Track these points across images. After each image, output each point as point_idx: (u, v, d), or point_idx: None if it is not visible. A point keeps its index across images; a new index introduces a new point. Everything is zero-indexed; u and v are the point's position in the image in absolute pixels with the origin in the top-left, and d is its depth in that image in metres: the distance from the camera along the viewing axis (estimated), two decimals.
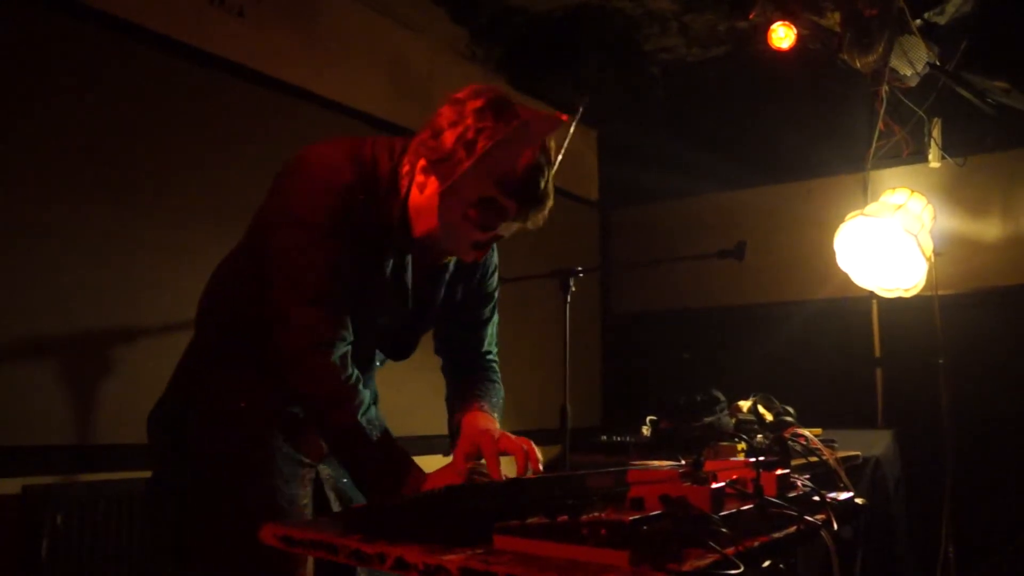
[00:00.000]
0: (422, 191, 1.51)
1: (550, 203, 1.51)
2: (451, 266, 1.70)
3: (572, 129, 1.43)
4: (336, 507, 1.65)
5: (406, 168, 1.54)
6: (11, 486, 2.43)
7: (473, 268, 1.74)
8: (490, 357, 1.83)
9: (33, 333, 2.54)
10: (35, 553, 2.39)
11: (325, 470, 1.67)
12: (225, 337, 1.65)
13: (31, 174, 2.56)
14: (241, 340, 1.62)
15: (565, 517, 1.07)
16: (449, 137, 1.44)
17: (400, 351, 1.77)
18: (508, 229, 1.53)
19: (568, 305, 2.71)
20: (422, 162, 1.50)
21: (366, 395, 1.47)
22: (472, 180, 1.43)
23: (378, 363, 1.78)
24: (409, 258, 1.62)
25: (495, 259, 1.81)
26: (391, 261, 1.60)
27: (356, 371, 1.49)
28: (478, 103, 1.46)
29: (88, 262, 2.66)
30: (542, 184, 1.47)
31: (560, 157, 1.50)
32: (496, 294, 1.82)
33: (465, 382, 1.77)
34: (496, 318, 1.84)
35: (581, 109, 1.44)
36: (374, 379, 1.79)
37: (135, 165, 2.82)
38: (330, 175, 1.49)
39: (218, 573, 1.55)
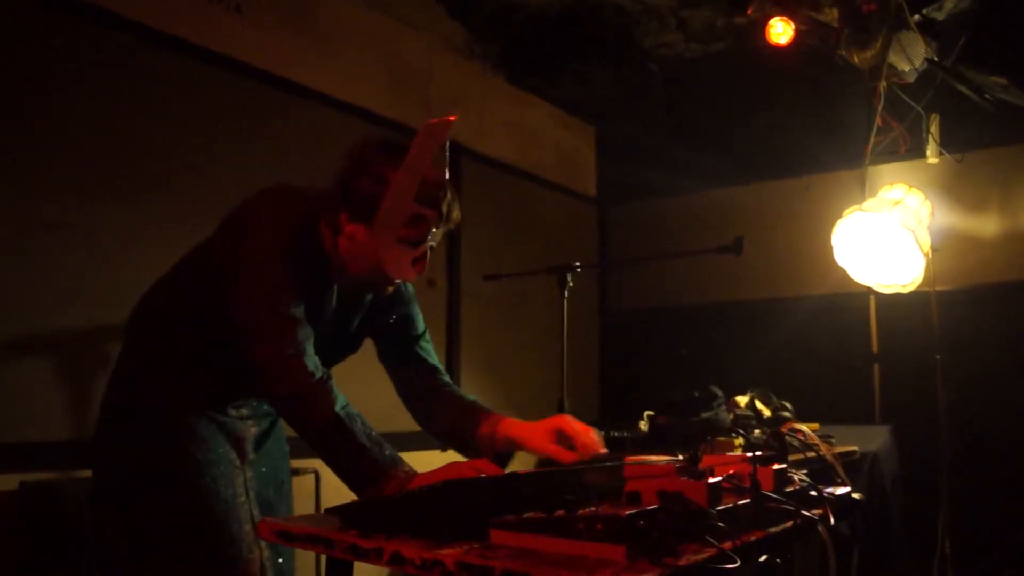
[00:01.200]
0: (352, 239, 1.66)
1: (457, 200, 1.70)
2: (367, 298, 1.84)
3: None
4: (256, 510, 1.75)
5: (323, 224, 1.68)
6: (9, 482, 2.43)
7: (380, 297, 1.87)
8: (446, 379, 1.93)
9: (31, 329, 2.54)
10: (33, 549, 2.39)
11: (248, 471, 1.78)
12: (168, 348, 1.75)
13: (28, 171, 2.56)
14: (184, 351, 1.73)
15: (562, 512, 1.07)
16: (363, 185, 1.62)
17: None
18: (435, 238, 1.70)
19: (566, 301, 2.71)
20: (343, 215, 1.65)
21: (340, 395, 1.55)
22: (395, 206, 1.60)
23: None
24: (334, 292, 1.76)
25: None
26: (324, 299, 1.74)
27: (328, 373, 1.58)
28: (372, 149, 1.66)
29: (85, 258, 2.66)
30: (447, 185, 1.66)
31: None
32: (414, 310, 1.94)
33: (452, 401, 1.87)
34: (427, 334, 1.96)
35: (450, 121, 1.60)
36: None
37: (132, 162, 2.82)
38: (280, 224, 1.63)
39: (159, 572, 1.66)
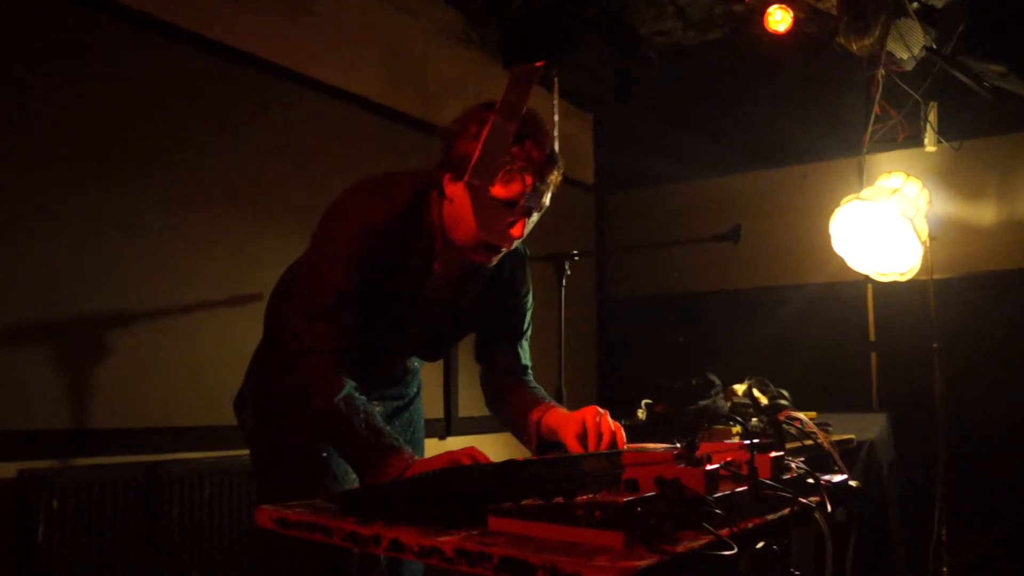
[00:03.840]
0: (453, 200, 1.64)
1: (559, 162, 1.64)
2: (484, 278, 1.83)
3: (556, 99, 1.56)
4: None
5: (434, 195, 1.69)
6: (7, 470, 2.43)
7: (502, 281, 1.89)
8: (531, 376, 1.97)
9: (29, 318, 2.53)
10: (31, 537, 2.39)
11: None
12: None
13: (23, 159, 2.54)
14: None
15: (560, 499, 1.07)
16: (460, 144, 1.61)
17: (432, 355, 1.98)
18: (536, 201, 1.64)
19: (563, 289, 2.71)
20: (447, 177, 1.64)
21: (348, 385, 1.58)
22: (485, 159, 1.56)
23: (417, 364, 2.02)
24: (439, 273, 1.75)
25: (527, 273, 1.97)
26: (426, 279, 1.74)
27: (344, 370, 1.60)
28: (474, 109, 1.64)
29: (82, 246, 2.65)
30: (544, 141, 1.61)
31: (557, 118, 1.62)
32: (529, 309, 1.97)
33: (524, 393, 1.91)
34: (530, 332, 1.98)
35: (545, 68, 1.53)
36: (418, 376, 2.04)
37: (128, 149, 2.80)
38: (356, 220, 1.65)
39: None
